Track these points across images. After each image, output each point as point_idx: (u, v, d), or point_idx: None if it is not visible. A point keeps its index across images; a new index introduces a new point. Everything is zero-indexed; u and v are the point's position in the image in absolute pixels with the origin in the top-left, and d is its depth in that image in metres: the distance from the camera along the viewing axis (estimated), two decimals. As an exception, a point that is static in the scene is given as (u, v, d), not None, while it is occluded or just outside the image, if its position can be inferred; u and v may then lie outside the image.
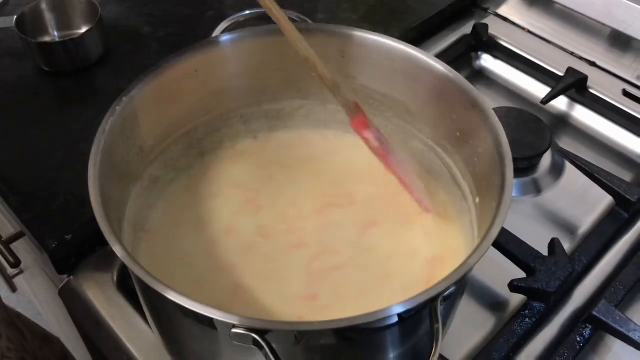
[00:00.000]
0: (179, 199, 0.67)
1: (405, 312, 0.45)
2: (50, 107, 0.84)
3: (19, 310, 1.73)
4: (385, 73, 0.66)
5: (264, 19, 0.73)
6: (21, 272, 1.23)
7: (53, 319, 1.36)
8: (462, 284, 0.52)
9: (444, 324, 0.56)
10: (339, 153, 0.72)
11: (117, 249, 0.47)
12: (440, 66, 0.61)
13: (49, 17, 0.89)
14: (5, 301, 1.76)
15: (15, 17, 0.86)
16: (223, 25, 0.70)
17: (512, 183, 0.51)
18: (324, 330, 0.46)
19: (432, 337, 0.45)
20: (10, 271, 1.17)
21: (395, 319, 0.46)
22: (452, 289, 0.47)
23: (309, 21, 0.72)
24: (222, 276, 0.62)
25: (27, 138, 0.79)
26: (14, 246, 0.80)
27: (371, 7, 0.98)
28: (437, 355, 0.44)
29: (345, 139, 0.73)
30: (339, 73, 0.67)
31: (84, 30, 0.87)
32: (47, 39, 0.90)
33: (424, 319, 0.48)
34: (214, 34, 0.70)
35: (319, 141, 0.73)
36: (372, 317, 0.44)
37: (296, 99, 0.71)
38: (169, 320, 0.54)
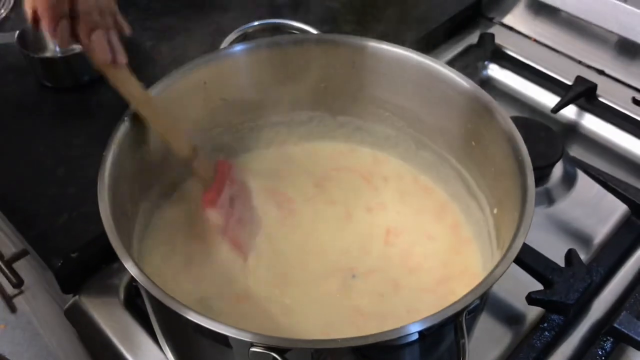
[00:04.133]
0: (186, 211, 0.65)
1: (427, 329, 0.44)
2: (52, 122, 0.83)
3: (17, 330, 1.71)
4: (397, 82, 0.65)
5: (272, 30, 0.72)
6: (21, 292, 1.20)
7: (53, 338, 1.33)
8: (485, 297, 0.50)
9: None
10: (349, 165, 0.71)
11: (131, 268, 0.45)
12: (455, 75, 0.60)
13: (50, 32, 0.88)
14: (2, 323, 1.73)
15: (17, 32, 0.85)
16: (231, 36, 0.69)
17: (534, 192, 0.50)
18: (343, 348, 0.44)
19: (458, 353, 0.44)
20: (11, 291, 1.15)
21: (416, 336, 0.45)
22: (476, 303, 0.45)
23: (315, 32, 0.70)
24: (230, 286, 0.60)
25: (28, 154, 0.78)
26: (16, 266, 0.78)
27: (375, 18, 0.97)
28: (464, 372, 0.43)
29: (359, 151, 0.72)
30: (349, 83, 0.66)
31: (86, 44, 0.86)
32: (48, 54, 0.88)
33: (446, 334, 0.46)
34: (222, 46, 0.69)
35: (329, 153, 0.72)
36: (397, 333, 0.42)
37: (305, 111, 0.70)
38: (183, 339, 0.52)
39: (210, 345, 0.47)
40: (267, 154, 0.71)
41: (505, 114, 0.56)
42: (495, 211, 0.58)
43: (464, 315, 0.44)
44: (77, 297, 0.68)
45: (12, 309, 1.28)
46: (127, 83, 0.55)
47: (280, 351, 0.42)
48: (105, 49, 0.52)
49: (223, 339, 0.44)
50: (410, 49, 0.62)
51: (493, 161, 0.58)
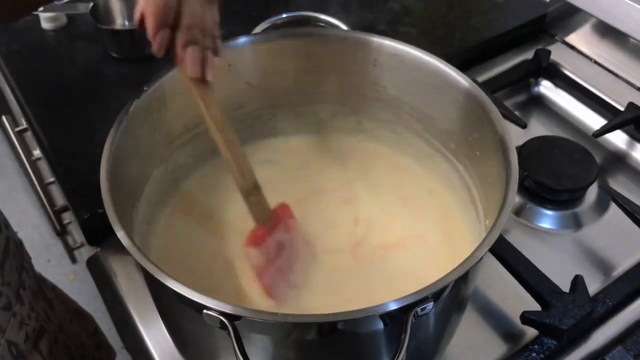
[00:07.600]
0: (200, 184, 0.69)
1: (387, 314, 0.45)
2: (111, 89, 0.89)
3: (85, 283, 1.84)
4: (415, 85, 0.65)
5: (300, 22, 0.74)
6: (82, 245, 1.30)
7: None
8: (449, 300, 0.50)
9: (432, 337, 0.55)
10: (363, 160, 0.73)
11: (111, 215, 0.49)
12: (466, 82, 0.60)
13: (120, 6, 0.95)
14: (73, 274, 1.85)
15: (92, 4, 0.92)
16: (262, 26, 0.72)
17: (510, 208, 0.50)
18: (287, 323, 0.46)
19: (399, 346, 0.45)
20: (72, 243, 1.24)
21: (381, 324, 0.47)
22: (429, 304, 0.46)
23: (344, 27, 0.72)
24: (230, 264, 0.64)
25: (84, 115, 0.85)
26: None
27: (432, 23, 0.98)
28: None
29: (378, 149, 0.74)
30: (370, 81, 0.67)
31: (150, 21, 0.92)
32: (116, 26, 0.95)
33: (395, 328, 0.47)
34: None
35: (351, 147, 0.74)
36: (350, 315, 0.44)
37: (330, 104, 0.72)
38: (160, 299, 0.56)
39: (176, 303, 0.50)
40: (282, 142, 0.74)
41: (504, 126, 0.56)
42: (487, 223, 0.58)
43: (412, 314, 0.45)
44: (98, 249, 0.74)
45: (73, 259, 1.38)
46: (208, 102, 0.55)
47: (231, 318, 0.45)
48: (196, 63, 0.52)
49: (186, 301, 0.48)
50: (427, 52, 0.62)
51: (490, 173, 0.58)
